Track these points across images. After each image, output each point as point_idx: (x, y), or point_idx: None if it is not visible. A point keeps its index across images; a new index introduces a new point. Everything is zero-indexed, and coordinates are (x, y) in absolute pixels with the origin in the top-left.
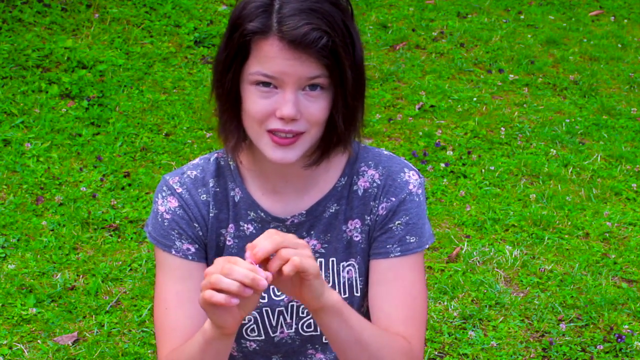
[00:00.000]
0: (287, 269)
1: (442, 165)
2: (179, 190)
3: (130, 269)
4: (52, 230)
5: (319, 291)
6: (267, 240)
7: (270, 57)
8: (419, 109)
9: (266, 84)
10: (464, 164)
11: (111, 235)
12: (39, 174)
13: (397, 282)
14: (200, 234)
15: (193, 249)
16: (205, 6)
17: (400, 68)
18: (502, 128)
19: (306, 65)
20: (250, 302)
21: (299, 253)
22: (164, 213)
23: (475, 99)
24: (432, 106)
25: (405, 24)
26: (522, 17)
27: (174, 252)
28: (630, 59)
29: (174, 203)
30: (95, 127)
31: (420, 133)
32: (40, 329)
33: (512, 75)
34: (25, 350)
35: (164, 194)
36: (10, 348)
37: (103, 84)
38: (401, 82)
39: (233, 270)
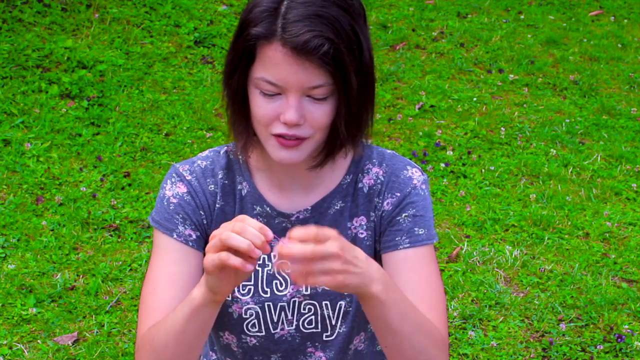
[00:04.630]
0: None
1: (442, 165)
2: (189, 177)
3: (130, 269)
4: (52, 230)
5: (354, 292)
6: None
7: (273, 63)
8: (419, 109)
9: (271, 90)
10: (464, 164)
11: (111, 235)
12: (39, 174)
13: (415, 273)
14: (205, 222)
15: (194, 236)
16: (205, 6)
17: (400, 68)
18: (502, 128)
19: (309, 72)
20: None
21: (340, 271)
22: (171, 197)
23: (475, 99)
24: (432, 106)
25: (405, 24)
26: (522, 17)
27: (175, 236)
28: (630, 59)
29: (182, 189)
30: (95, 127)
31: (420, 133)
32: (40, 329)
33: (512, 75)
34: (25, 350)
35: (173, 180)
36: (10, 348)
37: (103, 84)
38: (401, 82)
39: (245, 230)
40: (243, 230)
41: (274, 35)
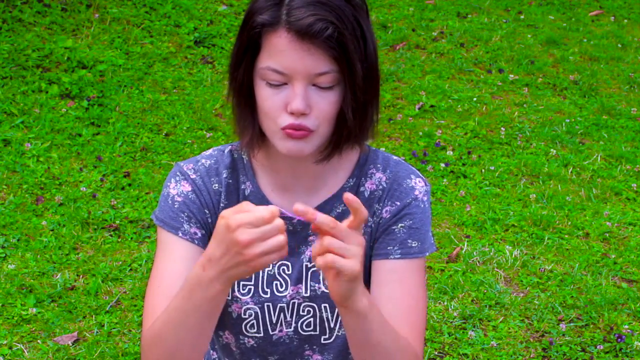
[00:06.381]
0: (318, 262)
1: (442, 165)
2: (193, 176)
3: (130, 269)
4: (52, 230)
5: (346, 293)
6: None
7: (279, 50)
8: (419, 109)
9: (277, 80)
10: (464, 164)
11: (111, 235)
12: (39, 174)
13: (401, 285)
14: (210, 221)
15: (200, 234)
16: (205, 6)
17: (400, 68)
18: (502, 128)
19: (315, 57)
20: None
21: (343, 248)
22: (176, 196)
23: (475, 99)
24: (432, 106)
25: (405, 24)
26: (522, 17)
27: (180, 235)
28: (630, 59)
29: (187, 187)
30: (95, 127)
31: (420, 133)
32: (40, 329)
33: (512, 75)
34: (25, 350)
35: (177, 178)
36: (10, 348)
37: (103, 84)
38: (401, 82)
39: (272, 230)
40: (271, 231)
41: (279, 22)
